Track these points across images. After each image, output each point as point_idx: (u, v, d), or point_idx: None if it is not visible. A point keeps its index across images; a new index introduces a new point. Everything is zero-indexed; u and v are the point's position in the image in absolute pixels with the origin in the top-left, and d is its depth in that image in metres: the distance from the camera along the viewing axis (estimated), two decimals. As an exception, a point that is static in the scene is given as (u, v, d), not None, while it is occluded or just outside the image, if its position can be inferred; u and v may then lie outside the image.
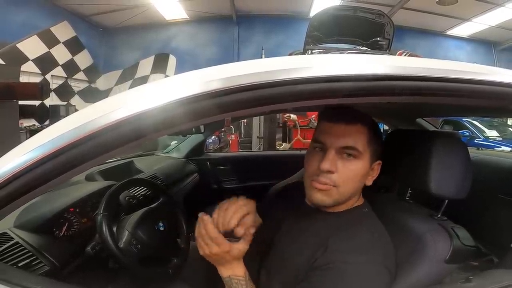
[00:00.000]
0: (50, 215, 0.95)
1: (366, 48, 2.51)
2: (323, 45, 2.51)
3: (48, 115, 6.15)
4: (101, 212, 0.92)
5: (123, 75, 7.90)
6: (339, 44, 2.71)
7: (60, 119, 0.59)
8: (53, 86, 6.90)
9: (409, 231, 0.71)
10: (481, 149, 1.84)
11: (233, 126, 6.12)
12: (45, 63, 6.56)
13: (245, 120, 6.17)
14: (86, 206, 1.06)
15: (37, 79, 6.21)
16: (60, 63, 6.99)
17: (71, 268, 0.89)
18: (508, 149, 4.59)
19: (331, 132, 0.69)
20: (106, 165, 1.54)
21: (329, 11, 2.45)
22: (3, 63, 5.08)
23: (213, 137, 4.68)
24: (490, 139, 5.50)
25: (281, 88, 0.53)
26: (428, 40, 9.42)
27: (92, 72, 7.87)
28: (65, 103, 6.98)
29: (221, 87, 0.52)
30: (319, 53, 2.39)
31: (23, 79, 4.90)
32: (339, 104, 0.65)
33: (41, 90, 3.08)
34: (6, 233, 0.85)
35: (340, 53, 2.26)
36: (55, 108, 6.31)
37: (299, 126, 5.27)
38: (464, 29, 9.14)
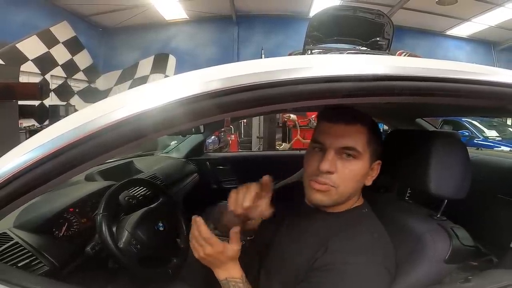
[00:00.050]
0: (50, 215, 0.95)
1: (365, 48, 2.52)
2: (323, 45, 2.51)
3: (48, 115, 6.14)
4: (101, 212, 0.92)
5: (122, 75, 7.90)
6: (338, 44, 2.71)
7: (59, 119, 0.59)
8: (52, 86, 6.90)
9: (409, 231, 0.71)
10: (481, 149, 1.84)
11: (233, 126, 6.11)
12: (45, 63, 6.56)
13: (245, 120, 6.17)
14: (85, 206, 1.06)
15: (36, 79, 6.21)
16: (60, 63, 6.99)
17: (70, 268, 0.89)
18: (507, 149, 4.59)
19: (330, 132, 0.69)
20: (106, 165, 1.54)
21: (329, 11, 2.46)
22: (3, 63, 5.08)
23: (212, 137, 4.68)
24: (490, 139, 5.51)
25: (281, 88, 0.53)
26: (427, 40, 9.42)
27: (92, 72, 7.87)
28: (64, 103, 6.97)
29: (221, 87, 0.52)
30: (319, 53, 2.40)
31: (23, 79, 4.88)
32: (338, 104, 0.65)
33: (41, 90, 3.08)
34: (5, 233, 0.85)
35: (340, 53, 2.27)
36: (54, 108, 6.31)
37: (299, 126, 5.28)
38: (463, 29, 9.15)
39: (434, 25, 9.02)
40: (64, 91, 7.16)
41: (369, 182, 0.73)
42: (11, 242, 0.81)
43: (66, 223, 0.98)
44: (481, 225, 0.96)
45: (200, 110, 0.53)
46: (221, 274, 0.71)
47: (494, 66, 0.68)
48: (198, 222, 0.69)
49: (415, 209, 0.80)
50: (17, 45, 5.87)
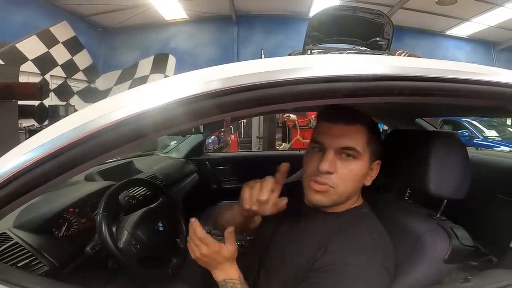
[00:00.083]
0: (50, 215, 0.95)
1: (365, 48, 2.52)
2: (323, 45, 2.51)
3: (48, 115, 6.14)
4: (101, 212, 0.92)
5: (122, 75, 7.90)
6: (338, 44, 2.72)
7: (59, 119, 0.59)
8: (52, 86, 6.90)
9: (408, 231, 0.71)
10: (480, 149, 1.85)
11: (233, 126, 6.11)
12: (45, 63, 6.55)
13: (245, 120, 6.17)
14: (85, 206, 1.06)
15: (36, 79, 6.21)
16: (60, 63, 6.99)
17: (70, 268, 0.89)
18: (507, 149, 4.59)
19: (330, 132, 0.68)
20: (106, 165, 1.54)
21: (329, 11, 2.46)
22: (3, 63, 5.08)
23: (212, 137, 4.68)
24: (489, 139, 5.51)
25: (281, 88, 0.53)
26: (427, 40, 9.43)
27: (92, 72, 7.87)
28: (64, 103, 6.96)
29: (221, 87, 0.52)
30: (319, 53, 2.40)
31: (22, 79, 4.88)
32: (338, 104, 0.65)
33: (40, 90, 3.08)
34: (5, 233, 0.85)
35: (340, 53, 2.27)
36: (54, 108, 6.30)
37: (299, 126, 5.28)
38: (463, 29, 9.15)
39: (434, 25, 9.02)
40: (63, 91, 7.16)
41: (368, 182, 0.73)
42: (11, 242, 0.81)
43: (66, 223, 0.98)
44: (480, 225, 0.97)
45: (200, 110, 0.53)
46: (218, 275, 0.71)
47: (493, 66, 0.68)
48: (194, 223, 0.69)
49: (414, 209, 0.80)
50: (17, 45, 5.87)
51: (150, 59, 7.82)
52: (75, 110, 1.44)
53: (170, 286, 1.02)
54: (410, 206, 0.82)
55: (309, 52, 2.42)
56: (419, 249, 0.67)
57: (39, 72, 6.45)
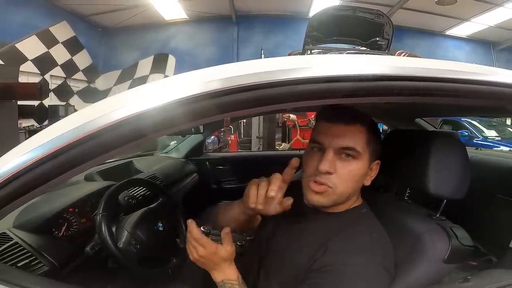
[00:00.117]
0: (50, 215, 0.95)
1: (365, 48, 2.52)
2: (323, 45, 2.51)
3: (47, 115, 6.13)
4: (100, 212, 0.92)
5: (122, 75, 7.89)
6: (338, 44, 2.72)
7: (59, 119, 0.59)
8: (52, 86, 6.89)
9: (408, 231, 0.71)
10: (480, 149, 1.85)
11: (233, 126, 6.11)
12: (44, 63, 6.55)
13: (245, 120, 6.17)
14: (85, 206, 1.06)
15: (36, 79, 6.20)
16: (59, 63, 6.98)
17: (70, 268, 0.89)
18: (507, 149, 4.59)
19: (329, 132, 0.68)
20: (106, 165, 1.54)
21: (328, 11, 2.46)
22: (2, 63, 5.08)
23: (212, 137, 4.68)
24: (489, 139, 5.52)
25: (281, 88, 0.53)
26: (427, 40, 9.43)
27: (91, 72, 7.86)
28: (64, 103, 6.96)
29: (221, 87, 0.52)
30: (319, 53, 2.40)
31: (22, 79, 4.88)
32: (338, 104, 0.65)
33: (40, 90, 3.08)
34: (5, 233, 0.85)
35: (340, 53, 2.27)
36: (54, 108, 6.29)
37: (299, 126, 5.29)
38: (463, 29, 9.15)
39: (434, 25, 9.03)
40: (63, 91, 7.15)
41: (368, 182, 0.72)
42: (11, 242, 0.81)
43: (66, 223, 0.98)
44: (480, 225, 0.97)
45: (200, 110, 0.53)
46: (217, 276, 0.71)
47: (493, 66, 0.68)
48: (190, 225, 0.69)
49: (414, 209, 0.80)
50: (17, 45, 5.86)
51: (150, 59, 7.82)
52: (75, 110, 1.45)
53: (170, 286, 1.02)
54: (410, 206, 0.83)
55: (309, 52, 2.42)
56: (418, 249, 0.67)
57: (39, 72, 6.45)
